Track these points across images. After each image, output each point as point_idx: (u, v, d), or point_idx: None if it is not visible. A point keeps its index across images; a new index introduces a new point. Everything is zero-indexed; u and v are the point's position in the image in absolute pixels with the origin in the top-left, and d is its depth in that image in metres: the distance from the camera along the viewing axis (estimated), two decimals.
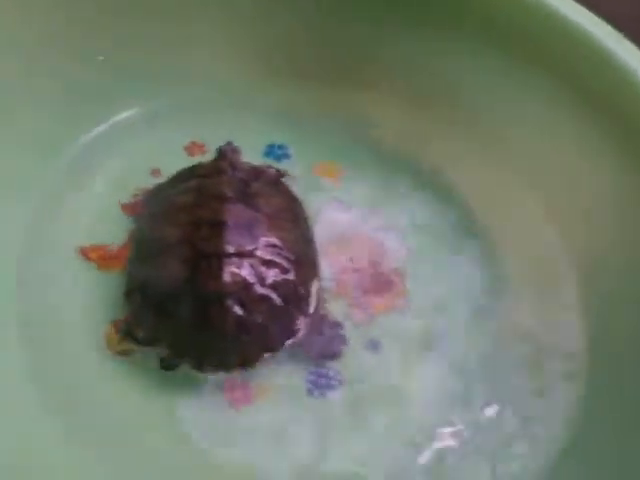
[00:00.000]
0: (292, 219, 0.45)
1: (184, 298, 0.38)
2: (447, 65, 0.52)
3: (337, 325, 0.44)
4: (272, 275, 0.40)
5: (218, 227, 0.40)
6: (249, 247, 0.40)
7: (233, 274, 0.38)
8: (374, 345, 0.45)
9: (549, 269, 0.49)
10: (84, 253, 0.45)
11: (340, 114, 0.55)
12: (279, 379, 0.43)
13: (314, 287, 0.43)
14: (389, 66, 0.54)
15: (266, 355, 0.39)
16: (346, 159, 0.53)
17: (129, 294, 0.41)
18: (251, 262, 0.39)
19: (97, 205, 0.48)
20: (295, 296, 0.41)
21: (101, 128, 0.51)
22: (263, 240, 0.41)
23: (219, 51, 0.53)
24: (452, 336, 0.46)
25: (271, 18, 0.53)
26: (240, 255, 0.39)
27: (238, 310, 0.38)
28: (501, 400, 0.44)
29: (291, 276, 0.41)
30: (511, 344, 0.46)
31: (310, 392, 0.43)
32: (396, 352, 0.45)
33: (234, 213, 0.41)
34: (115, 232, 0.46)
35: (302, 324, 0.41)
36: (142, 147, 0.52)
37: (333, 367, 0.44)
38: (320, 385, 0.43)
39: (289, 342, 0.40)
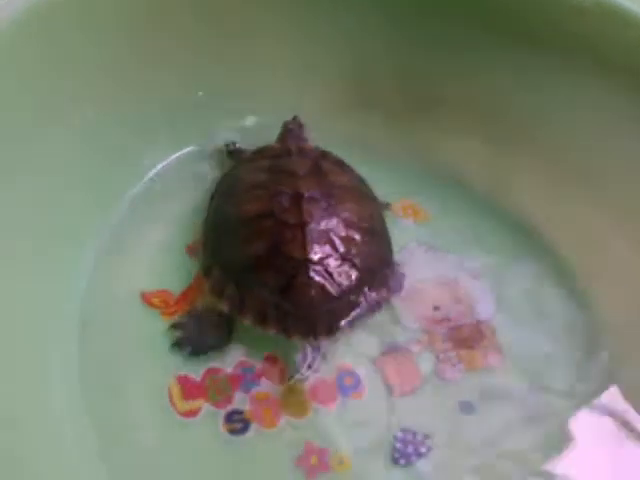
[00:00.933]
0: (363, 195, 0.45)
1: (268, 267, 0.39)
2: (534, 100, 0.48)
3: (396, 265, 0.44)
4: (352, 243, 0.40)
5: (297, 199, 0.40)
6: (328, 217, 0.40)
7: (316, 242, 0.39)
8: (467, 407, 0.40)
9: None
10: (147, 299, 0.42)
11: (419, 150, 0.51)
12: (361, 442, 0.38)
13: (388, 255, 0.43)
14: (470, 103, 0.50)
15: (352, 319, 0.39)
16: (426, 198, 0.49)
17: (208, 270, 0.41)
18: (332, 231, 0.40)
19: (160, 248, 0.44)
20: (375, 265, 0.41)
21: (159, 170, 0.48)
22: (340, 211, 0.41)
23: (294, 79, 0.50)
24: (552, 399, 0.41)
25: (351, 45, 0.50)
26: (321, 224, 0.40)
27: (323, 277, 0.38)
28: None
29: (369, 245, 0.41)
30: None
31: (396, 461, 0.38)
32: (493, 416, 0.40)
33: (310, 186, 0.41)
34: (178, 275, 0.43)
35: (382, 286, 0.41)
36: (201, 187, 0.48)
37: (421, 430, 0.39)
38: (407, 453, 0.38)
39: (374, 307, 0.41)
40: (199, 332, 0.40)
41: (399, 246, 0.46)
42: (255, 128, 0.50)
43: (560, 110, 0.48)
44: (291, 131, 0.48)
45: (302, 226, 0.39)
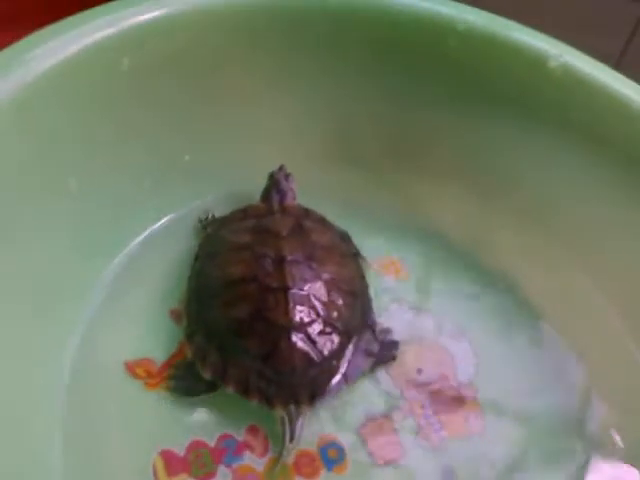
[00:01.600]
0: (345, 254, 0.45)
1: (251, 334, 0.39)
2: (515, 159, 0.49)
3: (387, 331, 0.44)
4: (333, 307, 0.40)
5: (280, 263, 0.41)
6: (311, 280, 0.40)
7: (299, 307, 0.39)
8: (449, 473, 0.40)
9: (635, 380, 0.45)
10: (130, 369, 0.42)
11: (401, 205, 0.52)
12: None
13: (369, 315, 0.43)
14: (454, 157, 0.51)
15: (334, 386, 0.39)
16: (407, 254, 0.50)
17: (190, 336, 0.41)
18: (314, 295, 0.40)
19: (144, 315, 0.44)
20: (357, 327, 0.41)
21: (141, 237, 0.48)
22: (322, 273, 0.41)
23: (278, 141, 0.51)
24: (536, 465, 0.41)
25: (333, 106, 0.50)
26: (303, 288, 0.40)
27: (306, 344, 0.39)
28: None
29: (352, 308, 0.42)
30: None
31: None
32: None
33: (292, 248, 0.42)
34: (162, 342, 0.43)
35: (364, 350, 0.41)
36: (185, 251, 0.48)
37: None
38: None
39: (356, 372, 0.40)
40: (192, 376, 0.40)
41: (381, 307, 0.47)
42: (239, 190, 0.50)
43: (539, 170, 0.49)
44: (277, 182, 0.48)
45: (285, 291, 0.39)
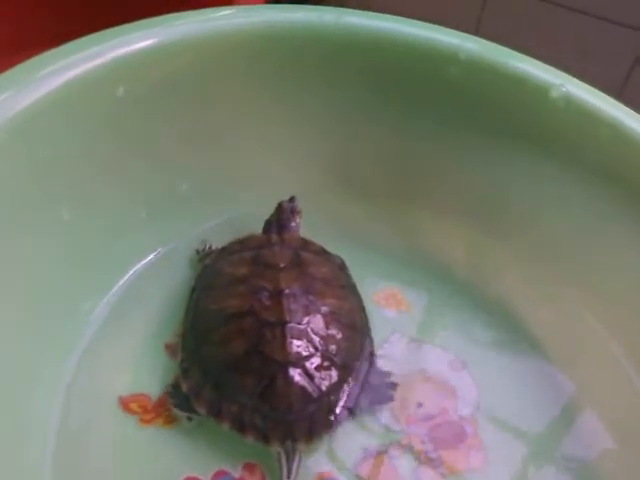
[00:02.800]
0: (344, 286, 0.45)
1: (248, 369, 0.38)
2: (521, 192, 0.49)
3: (385, 374, 0.43)
4: (332, 341, 0.40)
5: (277, 296, 0.40)
6: (309, 314, 0.40)
7: (296, 342, 0.39)
8: None
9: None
10: (124, 404, 0.41)
11: (402, 235, 0.51)
12: None
13: (368, 348, 0.43)
14: (457, 189, 0.51)
15: (333, 422, 0.38)
16: (409, 285, 0.50)
17: (186, 371, 0.40)
18: (312, 329, 0.39)
19: (139, 349, 0.44)
20: (355, 361, 0.41)
21: (137, 268, 0.47)
22: (321, 306, 0.41)
23: (277, 169, 0.51)
24: None
25: (331, 136, 0.50)
26: (301, 322, 0.39)
27: (304, 379, 0.38)
28: None
29: (351, 342, 0.41)
30: None
31: None
32: None
33: (290, 281, 0.41)
34: (157, 377, 0.42)
35: (363, 385, 0.41)
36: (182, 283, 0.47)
37: None
38: None
39: (355, 407, 0.39)
40: None
41: (382, 339, 0.46)
42: (239, 220, 0.50)
43: (545, 205, 0.48)
44: (281, 213, 0.47)
45: (282, 325, 0.39)
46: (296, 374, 0.38)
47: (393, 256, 0.50)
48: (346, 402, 0.40)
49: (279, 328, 0.39)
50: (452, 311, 0.49)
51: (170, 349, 0.44)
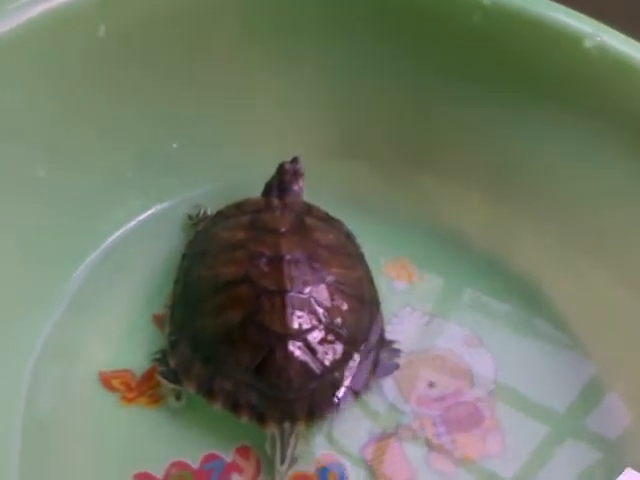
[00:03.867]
0: (351, 255, 0.41)
1: (243, 341, 0.35)
2: (538, 154, 0.44)
3: (395, 351, 0.40)
4: (337, 313, 0.36)
5: (277, 262, 0.37)
6: (312, 282, 0.37)
7: (298, 312, 0.35)
8: None
9: None
10: (105, 380, 0.37)
11: (414, 204, 0.47)
12: None
13: (377, 323, 0.39)
14: (475, 152, 0.46)
15: (336, 401, 0.35)
16: (421, 257, 0.45)
17: (174, 345, 0.37)
18: (315, 299, 0.36)
19: (123, 320, 0.40)
20: (363, 335, 0.38)
21: (121, 232, 0.43)
22: (325, 275, 0.37)
23: (278, 130, 0.46)
24: None
25: (337, 92, 0.45)
26: (303, 291, 0.36)
27: (305, 353, 0.35)
28: None
29: (358, 314, 0.38)
30: None
31: None
32: None
33: (292, 246, 0.38)
34: (143, 352, 0.38)
35: (371, 361, 0.37)
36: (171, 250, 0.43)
37: None
38: None
39: (362, 386, 0.36)
40: None
41: (391, 312, 0.42)
42: (236, 184, 0.45)
43: (571, 167, 0.44)
44: (283, 175, 0.44)
45: (282, 294, 0.35)
46: (297, 348, 0.35)
47: (404, 226, 0.46)
48: (352, 381, 0.36)
49: (279, 297, 0.35)
50: (467, 283, 0.45)
51: (158, 321, 0.40)
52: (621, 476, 0.36)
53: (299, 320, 0.35)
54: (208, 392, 0.35)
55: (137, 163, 0.42)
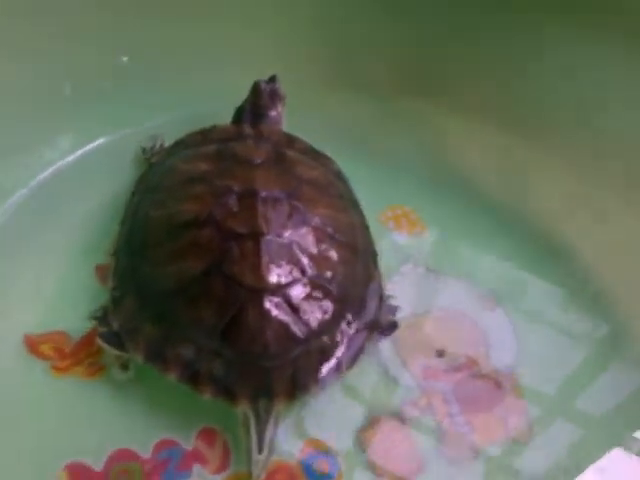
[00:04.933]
0: (342, 196, 0.35)
1: (205, 297, 0.28)
2: (554, 79, 0.39)
3: (395, 309, 0.33)
4: (325, 263, 0.30)
5: (250, 199, 0.30)
6: (293, 225, 0.30)
7: (276, 261, 0.29)
8: None
9: None
10: (33, 346, 0.30)
11: (415, 141, 0.42)
12: None
13: (374, 278, 0.33)
14: (486, 83, 0.41)
15: (325, 373, 0.29)
16: (424, 203, 0.40)
17: (119, 301, 0.30)
18: (298, 245, 0.30)
19: (57, 270, 0.33)
20: (358, 292, 0.31)
21: (59, 165, 0.36)
22: (310, 217, 0.31)
23: (261, 47, 0.40)
24: None
25: (331, 10, 0.40)
26: (283, 235, 0.30)
27: (285, 312, 0.28)
28: None
29: (351, 266, 0.31)
30: None
31: None
32: None
33: (269, 181, 0.32)
34: (81, 311, 0.31)
35: (367, 325, 0.31)
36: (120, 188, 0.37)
37: None
38: None
39: (356, 354, 0.30)
40: None
41: (390, 268, 0.36)
42: (202, 112, 0.38)
43: (596, 99, 0.39)
44: (258, 96, 0.38)
45: (256, 238, 0.29)
46: (274, 305, 0.28)
47: (405, 168, 0.41)
48: (344, 348, 0.30)
49: (251, 242, 0.29)
50: (480, 235, 0.39)
51: (102, 273, 0.33)
52: (608, 455, 0.31)
53: (277, 271, 0.29)
54: (160, 360, 0.28)
55: (76, 79, 0.34)
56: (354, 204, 0.36)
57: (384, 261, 0.35)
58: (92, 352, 0.30)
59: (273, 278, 0.28)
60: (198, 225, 0.30)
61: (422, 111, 0.42)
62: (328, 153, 0.38)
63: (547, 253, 0.38)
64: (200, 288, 0.28)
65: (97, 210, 0.35)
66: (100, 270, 0.33)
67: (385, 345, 0.33)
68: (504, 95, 0.41)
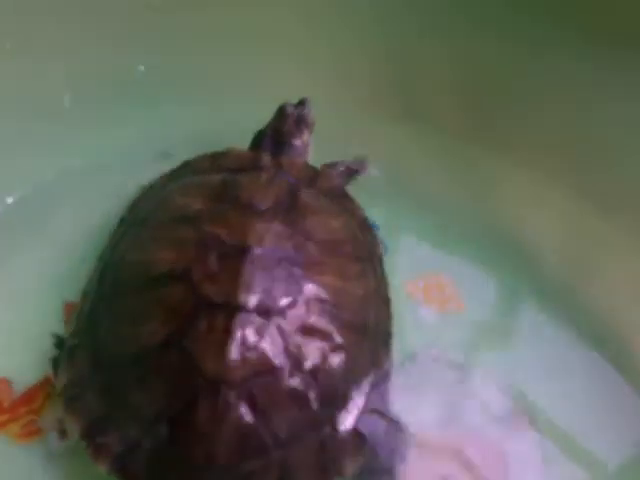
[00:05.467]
0: (361, 258, 0.30)
1: (158, 376, 0.24)
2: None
3: (394, 422, 0.27)
4: (316, 352, 0.25)
5: (236, 257, 0.25)
6: (285, 298, 0.25)
7: (248, 347, 0.24)
8: None
9: None
10: None
11: (465, 192, 0.36)
12: None
13: (381, 368, 0.27)
14: (551, 130, 0.35)
15: None
16: (464, 276, 0.33)
17: (72, 351, 0.26)
18: (281, 326, 0.25)
19: (19, 305, 0.29)
20: (353, 387, 0.26)
21: (45, 180, 0.32)
22: (310, 286, 0.26)
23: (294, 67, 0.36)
24: None
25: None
26: (265, 312, 0.25)
27: (247, 414, 0.23)
28: None
29: (351, 354, 0.26)
30: None
31: None
32: None
33: (267, 236, 0.27)
34: (37, 355, 0.27)
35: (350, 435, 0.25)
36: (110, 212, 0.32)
37: None
38: None
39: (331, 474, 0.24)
40: None
41: (405, 354, 0.30)
42: (217, 131, 0.34)
43: None
44: (283, 121, 0.33)
45: (230, 312, 0.24)
46: (233, 404, 0.23)
47: (448, 220, 0.35)
48: (320, 463, 0.24)
49: (223, 315, 0.24)
50: (534, 323, 0.32)
51: (69, 312, 0.29)
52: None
53: (248, 357, 0.24)
54: (93, 442, 0.23)
55: (77, 89, 0.31)
56: (374, 265, 0.30)
57: (401, 342, 0.29)
58: (34, 409, 0.26)
59: (238, 368, 0.23)
60: (171, 280, 0.25)
61: (479, 157, 0.36)
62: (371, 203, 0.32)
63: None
64: (154, 362, 0.24)
65: (85, 232, 0.31)
66: (68, 309, 0.29)
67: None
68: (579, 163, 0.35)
